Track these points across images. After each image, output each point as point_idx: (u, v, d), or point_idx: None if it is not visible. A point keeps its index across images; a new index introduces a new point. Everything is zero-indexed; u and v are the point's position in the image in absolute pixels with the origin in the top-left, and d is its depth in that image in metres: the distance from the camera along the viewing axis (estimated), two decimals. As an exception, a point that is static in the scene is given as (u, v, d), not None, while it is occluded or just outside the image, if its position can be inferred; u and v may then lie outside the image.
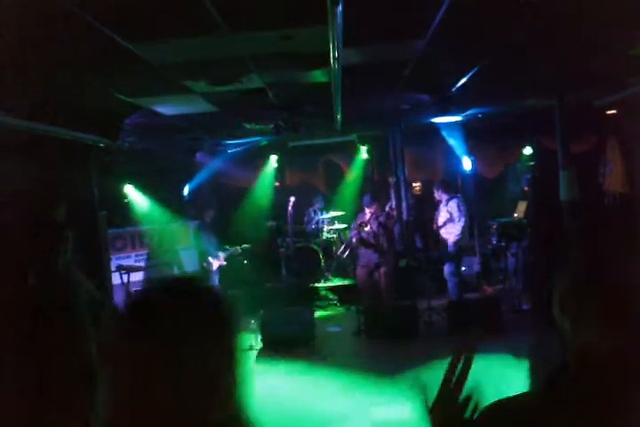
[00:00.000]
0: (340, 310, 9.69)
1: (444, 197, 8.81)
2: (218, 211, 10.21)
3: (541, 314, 7.00)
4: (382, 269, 8.62)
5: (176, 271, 9.49)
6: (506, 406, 1.22)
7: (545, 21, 4.30)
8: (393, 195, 9.95)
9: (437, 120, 9.12)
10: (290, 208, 10.93)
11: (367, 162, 11.40)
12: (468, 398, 1.23)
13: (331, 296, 10.06)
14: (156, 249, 9.53)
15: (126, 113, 6.61)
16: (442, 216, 8.79)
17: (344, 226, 10.90)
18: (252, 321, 7.57)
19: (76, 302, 2.84)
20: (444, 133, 9.81)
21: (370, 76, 5.87)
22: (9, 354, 2.06)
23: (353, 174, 11.72)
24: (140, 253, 9.48)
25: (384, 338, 7.45)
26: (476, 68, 5.77)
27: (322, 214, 11.33)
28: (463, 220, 8.58)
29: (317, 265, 10.50)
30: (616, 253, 1.14)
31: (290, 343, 7.30)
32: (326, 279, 10.44)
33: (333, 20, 3.41)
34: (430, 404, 1.25)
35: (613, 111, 8.53)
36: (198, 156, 10.87)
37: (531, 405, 1.16)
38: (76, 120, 5.96)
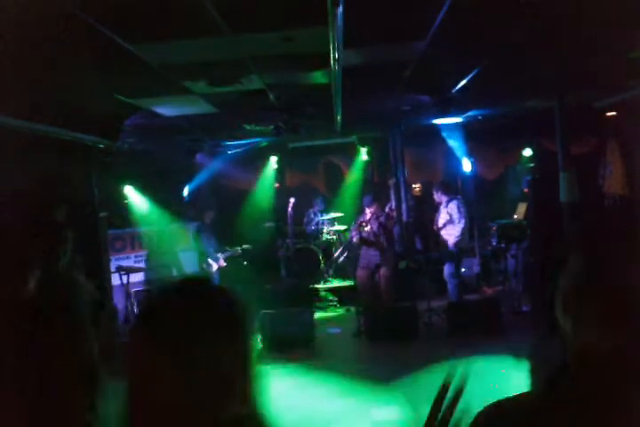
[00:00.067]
0: (340, 311, 9.68)
1: (444, 198, 8.81)
2: (218, 212, 10.21)
3: (541, 315, 7.00)
4: (382, 271, 8.62)
5: (175, 273, 9.48)
6: (506, 406, 1.22)
7: (545, 21, 4.30)
8: (393, 196, 9.96)
9: (437, 121, 9.13)
10: (290, 209, 10.93)
11: (367, 163, 11.40)
12: (459, 421, 1.22)
13: (330, 297, 10.06)
14: (155, 250, 9.53)
15: (126, 114, 6.62)
16: (442, 218, 8.79)
17: (344, 227, 10.91)
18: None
19: (77, 302, 2.83)
20: (445, 135, 9.81)
21: (370, 77, 5.87)
22: (9, 355, 2.06)
23: (353, 176, 11.72)
24: (139, 253, 9.48)
25: (384, 339, 7.44)
26: (476, 70, 5.78)
27: (322, 216, 11.33)
28: (463, 221, 8.58)
29: (317, 266, 10.51)
30: (616, 255, 1.15)
31: (290, 344, 7.30)
32: (326, 280, 10.45)
33: (334, 21, 3.42)
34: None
35: (613, 113, 8.54)
36: (198, 157, 10.87)
37: (531, 405, 1.16)
38: (76, 121, 5.97)
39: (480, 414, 1.22)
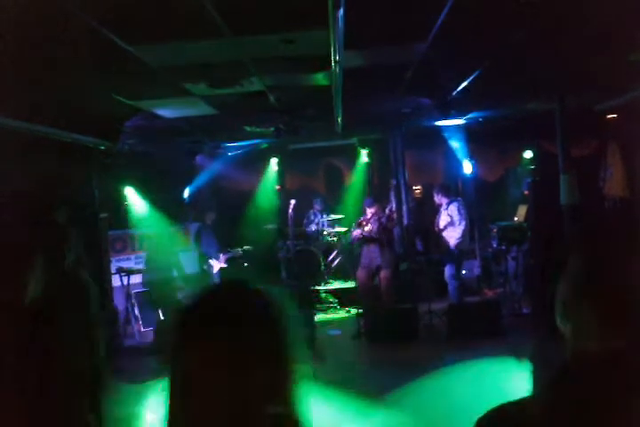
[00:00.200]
0: (340, 312, 9.67)
1: (445, 200, 8.80)
2: (218, 213, 10.21)
3: (542, 317, 6.98)
4: (383, 272, 8.61)
5: (175, 273, 9.46)
6: (507, 410, 1.21)
7: (545, 24, 4.30)
8: (393, 198, 9.95)
9: (438, 123, 9.13)
10: (290, 211, 10.92)
11: (368, 165, 11.39)
12: None
13: (331, 299, 10.05)
14: (155, 251, 9.52)
15: (127, 115, 6.62)
16: (442, 220, 8.78)
17: (344, 229, 10.90)
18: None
19: (84, 300, 2.84)
20: (445, 137, 9.81)
21: (371, 79, 5.87)
22: (10, 355, 2.06)
23: (353, 178, 11.71)
24: (139, 254, 9.48)
25: (384, 341, 7.43)
26: (477, 72, 5.77)
27: (322, 217, 11.33)
28: (464, 223, 8.57)
29: (317, 268, 10.50)
30: (616, 256, 1.14)
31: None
32: (326, 282, 10.44)
33: (334, 23, 3.42)
34: None
35: (614, 115, 8.53)
36: (198, 158, 10.87)
37: (532, 409, 1.16)
38: (76, 122, 5.97)
39: (482, 419, 1.21)
